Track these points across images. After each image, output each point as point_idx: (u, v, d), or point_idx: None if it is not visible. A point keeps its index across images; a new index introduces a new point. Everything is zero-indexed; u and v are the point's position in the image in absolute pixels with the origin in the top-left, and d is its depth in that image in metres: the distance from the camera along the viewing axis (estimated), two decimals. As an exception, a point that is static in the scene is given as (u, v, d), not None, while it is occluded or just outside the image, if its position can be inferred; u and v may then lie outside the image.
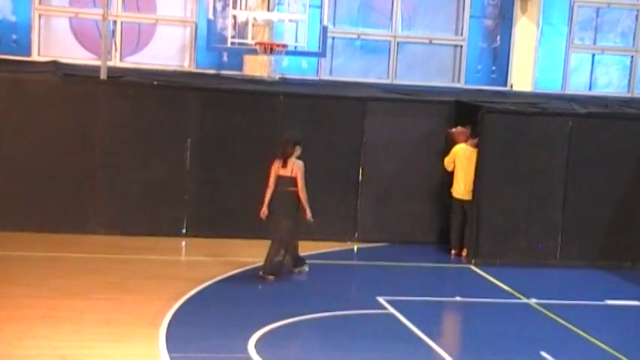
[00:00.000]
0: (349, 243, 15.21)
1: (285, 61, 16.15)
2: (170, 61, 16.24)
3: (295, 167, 12.47)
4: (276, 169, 12.56)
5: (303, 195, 12.50)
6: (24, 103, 14.34)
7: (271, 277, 12.62)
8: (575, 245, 14.60)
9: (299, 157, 12.60)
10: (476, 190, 14.38)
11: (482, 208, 14.35)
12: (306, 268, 13.11)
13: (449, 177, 14.89)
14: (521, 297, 12.66)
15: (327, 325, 11.01)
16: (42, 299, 11.05)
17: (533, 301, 12.45)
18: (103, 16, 14.61)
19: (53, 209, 14.40)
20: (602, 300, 12.81)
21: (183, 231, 14.85)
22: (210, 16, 15.40)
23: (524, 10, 17.02)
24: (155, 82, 14.89)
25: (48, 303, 10.91)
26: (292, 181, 12.48)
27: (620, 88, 17.90)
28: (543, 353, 10.27)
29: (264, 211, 12.68)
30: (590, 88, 17.74)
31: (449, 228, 14.90)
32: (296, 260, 13.00)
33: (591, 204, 14.55)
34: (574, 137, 14.52)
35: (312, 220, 12.61)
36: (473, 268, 14.15)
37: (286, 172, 12.51)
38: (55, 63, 15.29)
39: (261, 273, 12.71)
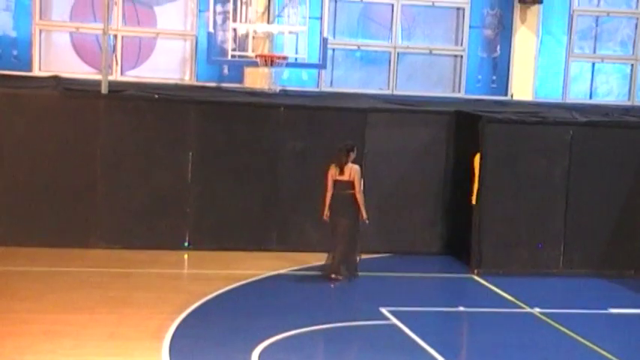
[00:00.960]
0: (351, 254, 15.19)
1: (286, 73, 16.19)
2: (171, 74, 16.27)
3: (352, 171, 13.37)
4: (333, 175, 13.42)
5: (360, 197, 13.38)
6: (25, 118, 14.36)
7: (339, 277, 13.40)
8: (578, 254, 14.59)
9: (354, 161, 13.44)
10: (478, 199, 14.37)
11: (484, 218, 14.33)
12: (337, 278, 13.50)
13: (450, 187, 14.89)
14: (524, 306, 12.64)
15: (330, 337, 11.00)
16: (44, 314, 11.04)
17: (536, 310, 12.43)
18: (104, 30, 14.64)
19: (54, 223, 14.41)
20: (605, 309, 12.79)
21: (185, 244, 14.85)
22: (211, 30, 15.43)
23: (523, 20, 17.05)
24: (156, 96, 14.91)
25: (50, 318, 10.91)
26: (350, 184, 13.36)
27: (621, 96, 17.90)
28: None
29: (326, 213, 13.45)
30: (590, 97, 17.74)
31: (451, 238, 14.88)
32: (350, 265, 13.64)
33: (593, 212, 14.54)
34: (575, 146, 14.52)
35: (367, 221, 13.46)
36: (476, 277, 14.13)
37: (344, 177, 13.38)
38: (55, 78, 15.32)
39: (326, 273, 13.44)
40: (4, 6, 15.68)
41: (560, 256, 14.56)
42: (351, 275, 13.56)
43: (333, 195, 13.38)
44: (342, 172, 13.37)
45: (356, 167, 13.42)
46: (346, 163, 13.38)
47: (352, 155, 13.46)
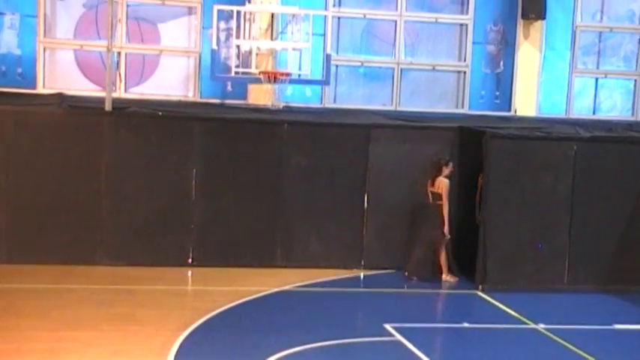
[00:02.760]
0: (355, 270, 15.19)
1: (289, 89, 16.21)
2: (174, 91, 16.31)
3: (441, 184, 14.51)
4: (429, 186, 14.65)
5: (444, 209, 14.45)
6: (30, 136, 14.40)
7: (414, 278, 14.51)
8: (582, 269, 14.56)
9: (447, 176, 14.54)
10: (482, 215, 14.37)
11: (488, 234, 14.32)
12: (452, 279, 14.65)
13: (454, 202, 14.90)
14: (529, 322, 12.61)
15: (334, 354, 10.97)
16: (48, 331, 11.04)
17: (541, 326, 12.40)
18: (108, 47, 14.69)
19: (59, 241, 14.42)
20: (610, 324, 12.75)
21: (190, 260, 14.85)
22: (214, 46, 15.46)
23: (526, 36, 17.08)
24: (160, 113, 14.95)
25: (55, 335, 10.90)
26: (439, 196, 14.49)
27: (624, 111, 17.91)
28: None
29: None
30: (594, 112, 17.76)
31: (455, 254, 14.88)
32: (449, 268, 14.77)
33: (597, 228, 14.52)
34: (579, 161, 14.51)
35: (447, 236, 14.52)
36: (480, 293, 14.11)
37: (434, 189, 14.59)
38: (60, 95, 15.36)
39: (405, 274, 14.63)
40: (8, 24, 15.75)
41: (564, 271, 14.54)
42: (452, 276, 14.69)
43: (422, 204, 14.70)
44: (432, 184, 14.60)
45: (445, 181, 14.52)
46: (437, 176, 14.54)
47: (445, 170, 14.60)
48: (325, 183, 15.00)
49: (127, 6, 16.05)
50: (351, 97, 16.95)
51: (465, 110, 17.06)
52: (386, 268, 15.22)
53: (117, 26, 15.70)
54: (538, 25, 17.05)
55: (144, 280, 13.78)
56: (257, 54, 15.53)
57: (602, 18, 17.73)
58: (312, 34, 15.52)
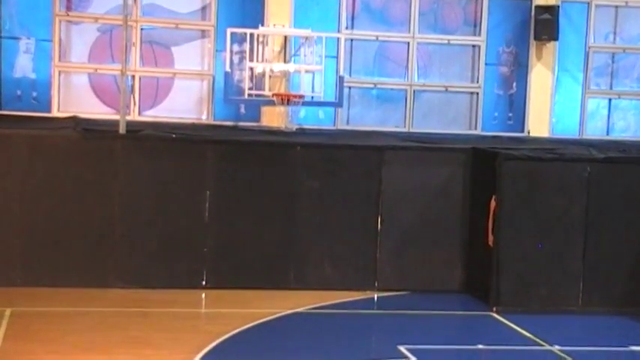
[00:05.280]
0: (369, 292, 15.16)
1: (302, 111, 16.28)
2: (188, 114, 16.39)
3: None
4: None
5: None
6: (44, 159, 14.44)
7: None
8: (597, 291, 14.47)
9: None
10: (495, 237, 14.33)
11: (502, 256, 14.28)
12: None
13: (468, 224, 14.87)
14: (543, 344, 12.55)
15: (348, 377, 10.96)
16: (62, 355, 11.03)
17: (556, 347, 12.33)
18: (122, 71, 14.77)
19: (73, 264, 14.44)
20: (626, 346, 12.68)
21: (203, 283, 14.85)
22: (228, 69, 15.57)
23: (539, 57, 17.11)
24: (173, 135, 14.99)
25: (69, 359, 10.90)
26: None
27: (638, 132, 17.88)
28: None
29: None
30: (607, 133, 17.74)
31: (469, 275, 14.84)
32: None
33: (612, 250, 14.45)
34: (593, 183, 14.47)
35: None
36: (494, 315, 14.05)
37: None
38: (74, 118, 15.45)
39: None
40: (24, 49, 15.88)
41: (579, 293, 14.47)
42: None
43: None
44: None
45: None
46: None
47: None
48: (338, 205, 14.99)
49: (141, 30, 16.17)
50: (364, 119, 17.00)
51: (478, 132, 17.07)
52: (399, 290, 15.19)
53: (131, 50, 15.81)
54: (551, 47, 17.08)
55: (157, 303, 13.79)
56: (270, 76, 15.62)
57: (614, 39, 17.74)
58: (325, 57, 15.61)
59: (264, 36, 15.82)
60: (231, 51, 15.82)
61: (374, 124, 16.90)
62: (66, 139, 14.61)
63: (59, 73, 15.99)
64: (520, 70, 17.25)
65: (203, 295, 14.63)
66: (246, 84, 15.61)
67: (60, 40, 15.97)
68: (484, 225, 14.61)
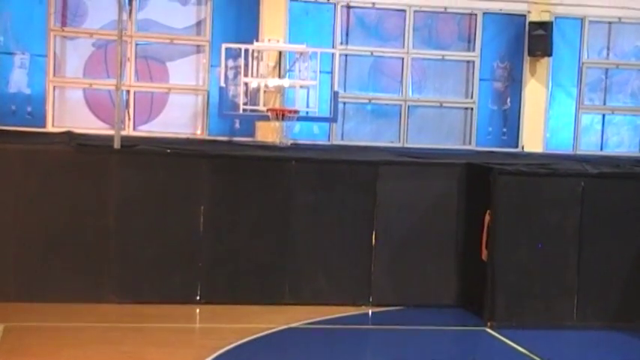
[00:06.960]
0: (364, 307, 15.15)
1: (297, 126, 16.29)
2: (183, 128, 16.40)
3: None
4: None
5: None
6: (38, 174, 14.43)
7: None
8: (592, 306, 14.49)
9: None
10: (490, 252, 14.34)
11: (496, 270, 14.29)
12: None
13: (462, 239, 14.86)
14: (538, 359, 12.54)
15: (342, 392, 10.94)
16: (56, 370, 11.03)
17: (550, 363, 12.35)
18: (117, 86, 14.79)
19: (67, 279, 14.40)
20: (620, 361, 12.70)
21: (197, 298, 14.83)
22: (222, 84, 15.58)
23: (533, 73, 17.17)
24: (168, 150, 14.99)
25: (62, 373, 10.89)
26: None
27: (632, 147, 17.94)
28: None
29: None
30: (601, 148, 17.79)
31: (463, 290, 14.84)
32: None
33: (606, 264, 14.48)
34: (586, 197, 14.50)
35: None
36: (489, 330, 14.05)
37: None
38: (69, 133, 15.45)
39: None
40: (19, 64, 15.89)
41: (573, 308, 14.48)
42: None
43: None
44: None
45: None
46: None
47: None
48: (333, 219, 15.00)
49: (136, 45, 16.19)
50: (359, 133, 17.02)
51: (473, 146, 17.11)
52: (394, 305, 15.18)
53: (126, 65, 15.83)
54: (545, 62, 17.15)
55: (152, 318, 13.76)
56: (265, 91, 15.65)
57: (608, 55, 17.81)
58: (320, 72, 15.65)
59: (258, 51, 15.86)
60: (226, 66, 15.84)
61: (368, 139, 16.92)
62: (60, 154, 14.60)
63: (54, 88, 15.99)
64: (514, 86, 17.31)
65: (197, 310, 14.60)
66: (241, 99, 15.62)
67: (55, 55, 15.99)
68: (478, 239, 14.62)
